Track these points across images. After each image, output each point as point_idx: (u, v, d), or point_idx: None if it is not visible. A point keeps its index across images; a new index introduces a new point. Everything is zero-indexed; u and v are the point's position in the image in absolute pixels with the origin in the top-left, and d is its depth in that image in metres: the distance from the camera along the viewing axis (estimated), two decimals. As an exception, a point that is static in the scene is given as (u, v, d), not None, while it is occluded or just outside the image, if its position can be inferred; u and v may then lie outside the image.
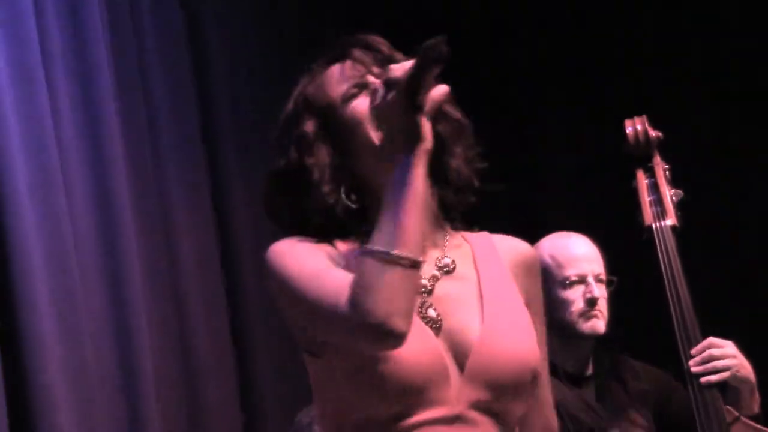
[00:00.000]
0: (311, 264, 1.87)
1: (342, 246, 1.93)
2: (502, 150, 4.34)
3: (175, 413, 3.55)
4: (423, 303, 1.90)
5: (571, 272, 3.15)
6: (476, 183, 1.96)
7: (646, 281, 3.11)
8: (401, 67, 1.84)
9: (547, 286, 3.17)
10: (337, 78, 1.97)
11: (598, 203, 4.12)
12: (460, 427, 1.84)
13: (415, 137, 1.81)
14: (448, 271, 1.95)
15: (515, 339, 1.90)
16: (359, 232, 1.92)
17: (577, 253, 3.17)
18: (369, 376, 1.83)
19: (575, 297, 3.13)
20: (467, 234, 2.02)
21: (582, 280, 3.14)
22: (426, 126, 1.83)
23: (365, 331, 1.78)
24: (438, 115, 1.89)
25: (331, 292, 1.81)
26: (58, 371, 3.14)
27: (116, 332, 3.38)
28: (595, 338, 3.16)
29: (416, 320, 1.85)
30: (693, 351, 2.89)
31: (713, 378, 2.89)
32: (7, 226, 3.14)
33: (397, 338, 1.78)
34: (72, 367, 3.20)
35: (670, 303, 2.90)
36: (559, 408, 3.00)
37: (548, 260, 3.20)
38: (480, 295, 1.94)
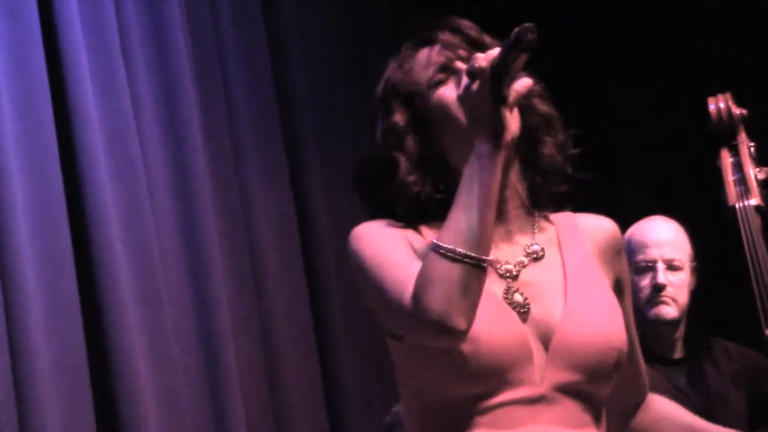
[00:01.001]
0: (386, 252, 1.87)
1: (428, 232, 1.92)
2: (586, 131, 4.42)
3: (260, 406, 3.57)
4: (509, 288, 1.89)
5: (640, 258, 3.14)
6: (568, 170, 1.94)
7: (734, 262, 3.01)
8: (486, 56, 1.81)
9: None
10: (425, 63, 1.96)
11: (685, 183, 4.05)
12: (544, 407, 1.84)
13: (498, 129, 1.80)
14: (536, 258, 1.93)
15: (598, 320, 1.88)
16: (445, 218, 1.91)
17: (648, 238, 3.15)
18: (452, 357, 1.81)
19: (645, 283, 3.13)
20: (553, 216, 2.00)
21: (651, 266, 3.12)
22: (511, 117, 1.81)
23: (424, 327, 1.78)
24: (526, 109, 1.88)
25: (397, 284, 1.81)
26: (144, 363, 3.19)
27: (200, 330, 3.41)
28: (669, 323, 3.13)
29: (502, 304, 1.86)
30: None
31: None
32: (91, 223, 3.18)
33: (455, 335, 1.78)
34: (157, 360, 3.25)
35: (754, 282, 2.82)
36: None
37: (626, 245, 3.17)
38: (564, 278, 1.92)
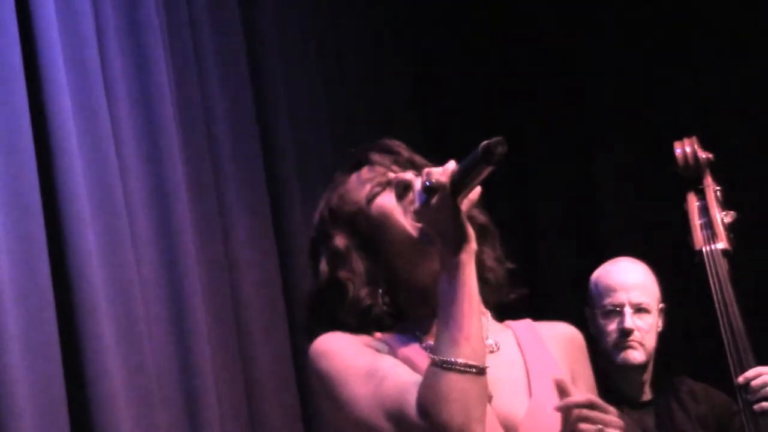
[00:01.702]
0: (363, 362, 1.88)
1: (379, 335, 1.94)
2: (559, 176, 4.42)
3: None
4: None
5: (608, 301, 3.12)
6: (505, 282, 1.98)
7: (704, 304, 3.01)
8: (444, 171, 1.83)
9: (593, 314, 3.16)
10: (358, 183, 1.99)
11: (656, 227, 4.04)
12: None
13: (464, 238, 1.82)
14: (491, 351, 1.94)
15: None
16: (396, 326, 1.94)
17: (615, 281, 3.12)
18: None
19: (612, 327, 3.11)
20: (509, 322, 2.03)
21: (618, 310, 3.10)
22: (469, 226, 1.84)
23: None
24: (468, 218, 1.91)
25: (393, 396, 1.82)
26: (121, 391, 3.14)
27: (180, 359, 3.34)
28: (636, 368, 3.10)
29: None
30: (741, 379, 2.79)
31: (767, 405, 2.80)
32: (69, 249, 3.11)
33: None
34: (135, 388, 3.18)
35: (721, 327, 2.80)
36: None
37: (593, 288, 3.19)
38: (527, 374, 1.94)
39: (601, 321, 3.12)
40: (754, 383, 2.76)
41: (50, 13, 3.17)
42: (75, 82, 3.22)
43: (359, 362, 1.89)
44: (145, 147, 3.43)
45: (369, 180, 1.98)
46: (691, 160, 2.96)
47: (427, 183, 1.84)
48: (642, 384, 3.15)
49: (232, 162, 3.71)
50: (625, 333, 3.07)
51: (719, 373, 2.99)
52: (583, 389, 1.96)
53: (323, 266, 1.97)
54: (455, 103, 4.25)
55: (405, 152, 2.01)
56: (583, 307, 3.21)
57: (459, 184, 1.82)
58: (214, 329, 3.47)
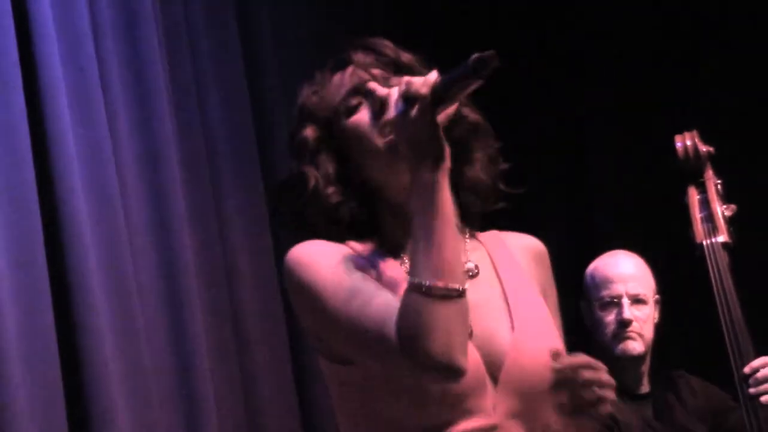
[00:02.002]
0: (345, 279, 1.81)
1: (357, 246, 1.88)
2: (558, 165, 4.42)
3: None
4: None
5: (605, 293, 3.14)
6: (498, 187, 1.90)
7: (704, 298, 3.01)
8: (425, 81, 1.75)
9: (590, 306, 3.16)
10: (337, 86, 1.92)
11: (656, 220, 4.05)
12: None
13: (440, 155, 1.74)
14: (472, 275, 1.90)
15: (545, 344, 1.85)
16: (372, 236, 1.89)
17: (612, 273, 3.14)
18: (406, 385, 1.79)
19: (610, 319, 3.13)
20: (480, 235, 1.97)
21: (616, 301, 3.12)
22: (445, 143, 1.76)
23: (424, 369, 1.73)
24: (454, 120, 1.83)
25: (376, 320, 1.76)
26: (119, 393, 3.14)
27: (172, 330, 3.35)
28: (635, 358, 3.12)
29: None
30: (747, 369, 2.79)
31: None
32: (67, 246, 3.11)
33: (458, 373, 1.74)
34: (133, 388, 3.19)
35: (722, 321, 2.80)
36: (621, 426, 3.03)
37: (589, 281, 3.21)
38: (505, 298, 1.90)
39: (599, 313, 3.13)
40: (760, 374, 2.76)
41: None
42: (70, 67, 3.19)
43: (340, 279, 1.82)
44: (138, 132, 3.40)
45: (347, 86, 1.90)
46: (691, 154, 2.95)
47: (406, 93, 1.75)
48: (640, 376, 3.16)
49: (227, 144, 3.69)
50: (624, 324, 3.08)
51: (717, 367, 2.98)
52: (552, 300, 1.96)
53: (293, 159, 1.93)
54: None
55: (390, 51, 1.93)
56: (578, 300, 3.22)
57: (441, 96, 1.74)
58: (211, 328, 3.46)
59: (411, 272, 1.74)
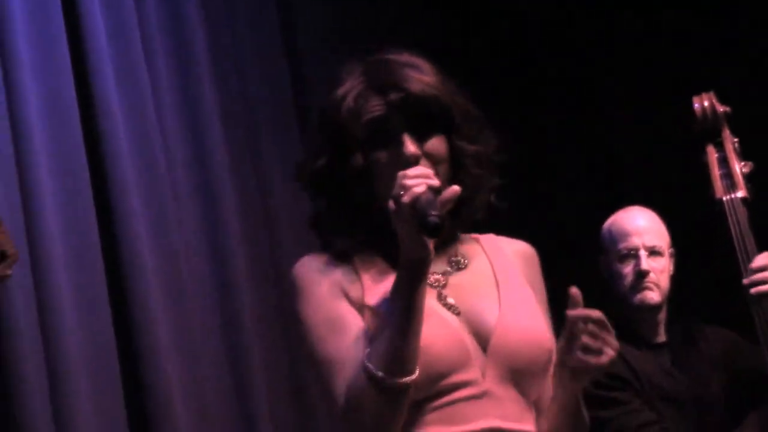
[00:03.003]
0: (326, 316, 1.93)
1: (360, 265, 1.98)
2: (577, 129, 4.46)
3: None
4: (440, 294, 1.96)
5: (622, 246, 3.19)
6: (487, 205, 2.01)
7: (721, 251, 3.06)
8: (410, 193, 1.81)
9: (608, 259, 3.23)
10: (368, 111, 1.95)
11: (673, 179, 4.10)
12: (488, 402, 1.90)
13: (418, 260, 1.83)
14: (460, 267, 2.01)
15: (532, 322, 1.96)
16: (380, 249, 1.98)
17: (629, 226, 3.20)
18: None
19: (628, 270, 3.18)
20: (475, 235, 2.08)
21: (633, 253, 3.17)
22: (429, 252, 1.82)
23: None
24: (461, 158, 1.95)
25: (335, 374, 1.89)
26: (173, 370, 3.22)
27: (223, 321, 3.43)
28: (653, 308, 3.18)
29: (439, 309, 1.94)
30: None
31: None
32: (116, 209, 3.21)
33: None
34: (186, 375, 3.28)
35: (742, 271, 2.87)
36: (639, 375, 3.07)
37: (606, 235, 3.26)
38: (496, 283, 2.00)
39: (617, 265, 3.19)
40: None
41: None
42: (116, 49, 3.30)
43: (322, 316, 1.93)
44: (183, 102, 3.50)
45: (377, 120, 1.94)
46: (709, 114, 3.03)
47: (395, 193, 1.82)
48: (657, 325, 3.22)
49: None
50: (641, 274, 3.14)
51: (737, 320, 3.09)
52: (542, 300, 2.04)
53: (317, 170, 1.97)
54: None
55: (415, 86, 1.95)
56: (596, 257, 3.28)
57: (421, 214, 1.80)
58: (254, 282, 3.54)
59: (369, 358, 1.84)
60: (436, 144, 1.96)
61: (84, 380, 3.03)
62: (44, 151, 3.10)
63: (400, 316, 1.84)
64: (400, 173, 1.85)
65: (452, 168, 1.97)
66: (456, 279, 2.00)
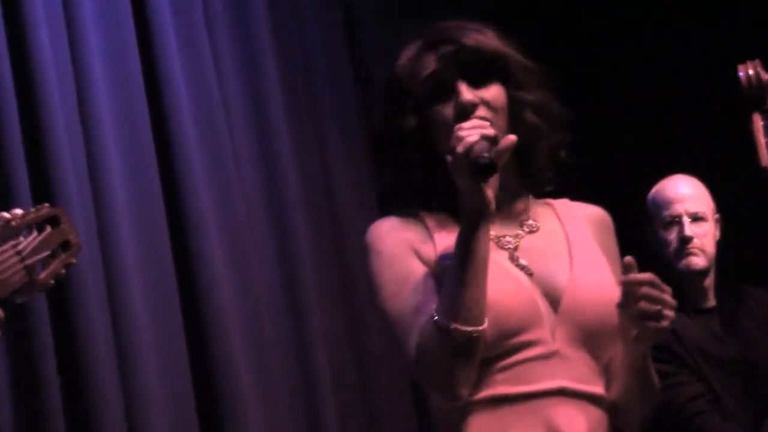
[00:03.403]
0: (396, 275, 1.96)
1: (432, 225, 2.00)
2: (624, 98, 4.48)
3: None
4: (512, 255, 1.98)
5: (666, 213, 3.24)
6: (555, 171, 2.04)
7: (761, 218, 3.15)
8: (464, 143, 1.83)
9: (653, 228, 3.27)
10: (428, 68, 1.99)
11: (722, 147, 4.13)
12: (558, 362, 1.91)
13: (478, 209, 1.85)
14: (531, 230, 2.03)
15: (603, 285, 1.96)
16: (446, 207, 2.00)
17: (671, 195, 3.25)
18: None
19: (672, 237, 3.22)
20: (549, 200, 2.10)
21: (676, 220, 3.22)
22: (489, 191, 1.84)
23: (427, 388, 1.93)
24: (516, 118, 1.96)
25: (405, 329, 1.91)
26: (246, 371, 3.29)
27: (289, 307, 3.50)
28: (698, 273, 3.21)
29: (509, 271, 1.95)
30: None
31: None
32: (181, 183, 3.28)
33: (456, 401, 1.89)
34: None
35: None
36: (685, 341, 3.10)
37: (650, 204, 3.30)
38: (568, 245, 2.02)
39: (662, 233, 3.24)
40: None
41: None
42: (183, 40, 3.38)
43: (392, 275, 1.96)
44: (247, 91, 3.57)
45: (437, 74, 1.96)
46: (754, 82, 3.04)
47: (451, 146, 1.84)
48: (705, 290, 3.26)
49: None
50: (685, 240, 3.19)
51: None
52: (616, 265, 2.02)
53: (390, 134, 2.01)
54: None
55: (478, 41, 1.98)
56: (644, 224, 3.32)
57: (474, 160, 1.83)
58: (315, 247, 3.60)
59: (437, 310, 1.87)
60: (494, 92, 1.98)
61: (153, 356, 3.12)
62: (116, 153, 3.19)
63: (463, 266, 1.84)
64: (456, 126, 1.87)
65: (512, 120, 1.98)
66: (528, 242, 2.01)
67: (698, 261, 3.21)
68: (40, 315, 2.90)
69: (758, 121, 3.07)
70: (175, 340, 3.19)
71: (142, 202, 3.22)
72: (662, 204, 3.26)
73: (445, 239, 1.97)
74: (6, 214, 1.83)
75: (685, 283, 3.21)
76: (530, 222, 2.03)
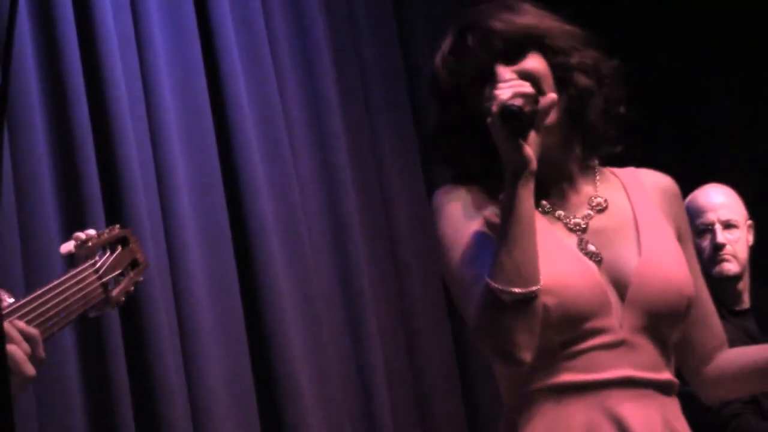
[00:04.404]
0: (461, 237, 1.92)
1: (492, 192, 1.95)
2: (675, 108, 4.45)
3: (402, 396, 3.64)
4: (581, 240, 1.92)
5: (699, 222, 3.30)
6: (613, 132, 1.96)
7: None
8: (497, 101, 1.81)
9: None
10: (470, 55, 1.95)
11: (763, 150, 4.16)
12: (624, 351, 1.87)
13: (520, 168, 1.82)
14: (600, 209, 1.96)
15: (671, 269, 1.91)
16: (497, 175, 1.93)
17: (704, 203, 3.32)
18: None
19: (705, 244, 3.29)
20: (615, 170, 2.03)
21: (709, 228, 3.29)
22: (530, 149, 1.81)
23: (487, 352, 1.88)
24: (564, 82, 1.91)
25: (467, 290, 1.89)
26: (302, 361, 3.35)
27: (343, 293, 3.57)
28: (732, 278, 3.26)
29: (578, 256, 1.90)
30: None
31: None
32: (243, 185, 3.36)
33: (518, 365, 1.85)
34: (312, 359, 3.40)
35: None
36: None
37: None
38: (636, 226, 1.95)
39: (696, 240, 3.27)
40: None
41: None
42: (244, 48, 3.47)
43: (458, 236, 1.92)
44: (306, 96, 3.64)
45: (477, 58, 1.93)
46: None
47: (485, 106, 1.83)
48: (740, 293, 3.31)
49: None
50: (717, 247, 3.26)
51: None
52: (686, 234, 2.01)
53: (443, 124, 1.99)
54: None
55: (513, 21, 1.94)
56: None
57: (512, 118, 1.79)
58: (371, 251, 3.65)
59: (489, 273, 1.82)
60: (531, 61, 1.93)
61: (215, 347, 3.21)
62: (180, 155, 3.29)
63: (507, 227, 1.81)
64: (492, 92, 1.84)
65: (560, 86, 1.92)
66: (597, 222, 1.94)
67: (731, 267, 3.27)
68: (112, 321, 3.02)
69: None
70: (237, 344, 3.27)
71: (207, 207, 3.31)
72: (695, 213, 3.32)
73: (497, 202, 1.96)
74: (82, 235, 1.93)
75: (719, 288, 3.24)
76: (599, 200, 1.97)
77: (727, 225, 3.31)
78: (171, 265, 3.20)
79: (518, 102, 1.80)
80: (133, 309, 3.02)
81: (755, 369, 1.96)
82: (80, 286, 1.87)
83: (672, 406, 1.91)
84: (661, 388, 1.90)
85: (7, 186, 2.91)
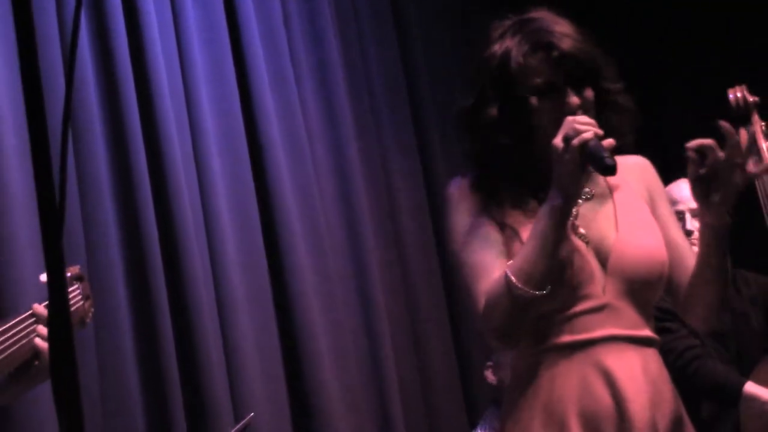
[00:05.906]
0: (469, 227, 2.06)
1: (504, 190, 2.08)
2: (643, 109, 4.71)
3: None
4: (573, 225, 2.08)
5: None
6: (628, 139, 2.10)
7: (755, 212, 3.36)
8: (580, 138, 1.91)
9: None
10: (534, 67, 2.05)
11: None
12: (609, 314, 2.04)
13: (572, 195, 1.96)
14: (587, 198, 2.14)
15: (644, 241, 2.08)
16: (525, 181, 2.09)
17: (676, 196, 3.47)
18: None
19: None
20: None
21: (680, 217, 3.37)
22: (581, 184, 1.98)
23: (489, 333, 2.06)
24: (603, 82, 2.07)
25: (473, 276, 2.03)
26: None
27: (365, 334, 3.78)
28: None
29: (572, 237, 2.06)
30: None
31: None
32: (270, 181, 3.57)
33: (510, 346, 2.08)
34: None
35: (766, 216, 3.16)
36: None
37: None
38: (614, 207, 2.12)
39: None
40: None
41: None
42: (270, 58, 3.71)
43: (466, 226, 2.04)
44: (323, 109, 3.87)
45: (546, 74, 2.02)
46: (741, 103, 3.30)
47: (566, 135, 1.93)
48: None
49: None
50: (687, 233, 3.31)
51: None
52: (661, 198, 2.17)
53: (488, 119, 2.06)
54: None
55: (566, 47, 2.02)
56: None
57: (587, 154, 1.90)
58: (379, 243, 3.89)
59: (510, 266, 1.98)
60: (590, 94, 2.05)
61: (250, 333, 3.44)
62: (217, 156, 3.51)
63: (547, 240, 1.94)
64: (570, 118, 1.94)
65: (601, 108, 2.06)
66: (583, 209, 2.10)
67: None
68: (163, 311, 3.26)
69: (743, 135, 3.42)
70: (269, 333, 3.53)
71: (240, 206, 3.54)
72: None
73: (514, 206, 2.08)
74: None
75: None
76: (586, 190, 2.12)
77: (696, 214, 3.43)
78: (208, 238, 3.41)
79: (603, 151, 1.92)
80: (178, 290, 3.27)
81: (698, 264, 2.08)
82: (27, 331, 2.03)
83: (652, 357, 2.09)
84: (641, 342, 2.08)
85: (71, 182, 3.13)
